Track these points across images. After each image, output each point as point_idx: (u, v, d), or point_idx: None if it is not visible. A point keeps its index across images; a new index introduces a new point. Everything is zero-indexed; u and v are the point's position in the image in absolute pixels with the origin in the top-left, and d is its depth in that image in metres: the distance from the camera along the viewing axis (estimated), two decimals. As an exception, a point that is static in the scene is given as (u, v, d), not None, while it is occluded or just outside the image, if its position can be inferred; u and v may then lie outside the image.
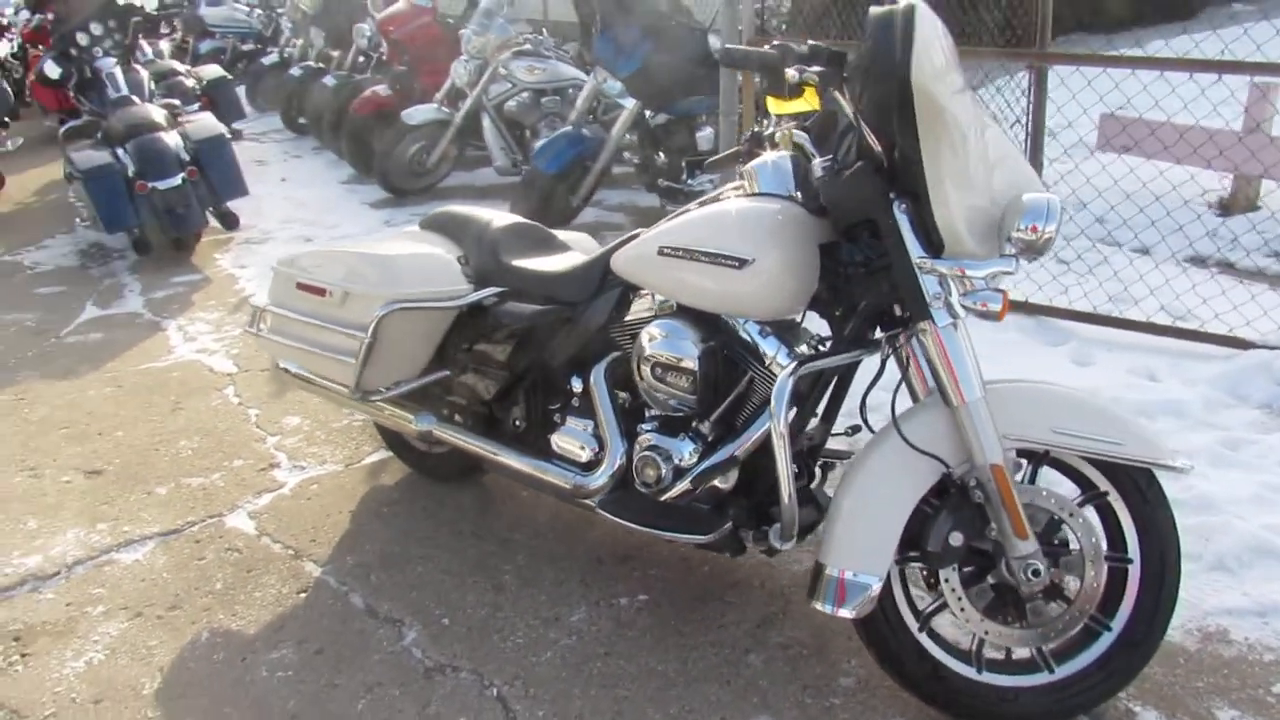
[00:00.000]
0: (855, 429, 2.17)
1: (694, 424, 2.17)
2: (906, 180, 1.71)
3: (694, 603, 2.35)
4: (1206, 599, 2.21)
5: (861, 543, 1.84)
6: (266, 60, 9.79)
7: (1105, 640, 1.88)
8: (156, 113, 5.41)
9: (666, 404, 2.16)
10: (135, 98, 5.67)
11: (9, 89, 8.53)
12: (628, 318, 2.34)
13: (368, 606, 2.41)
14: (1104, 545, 1.87)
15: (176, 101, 6.35)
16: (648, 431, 2.21)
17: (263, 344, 2.78)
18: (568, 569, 2.51)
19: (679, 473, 2.14)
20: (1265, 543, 2.30)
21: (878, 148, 1.74)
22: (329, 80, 7.53)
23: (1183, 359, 3.32)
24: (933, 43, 1.60)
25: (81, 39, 5.88)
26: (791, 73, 1.73)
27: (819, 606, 1.84)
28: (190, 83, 7.13)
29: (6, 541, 2.74)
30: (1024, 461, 1.91)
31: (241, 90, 9.89)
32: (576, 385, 2.38)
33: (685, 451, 2.15)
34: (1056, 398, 1.88)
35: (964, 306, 1.75)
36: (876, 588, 1.82)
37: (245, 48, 10.91)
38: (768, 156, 2.10)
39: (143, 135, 5.15)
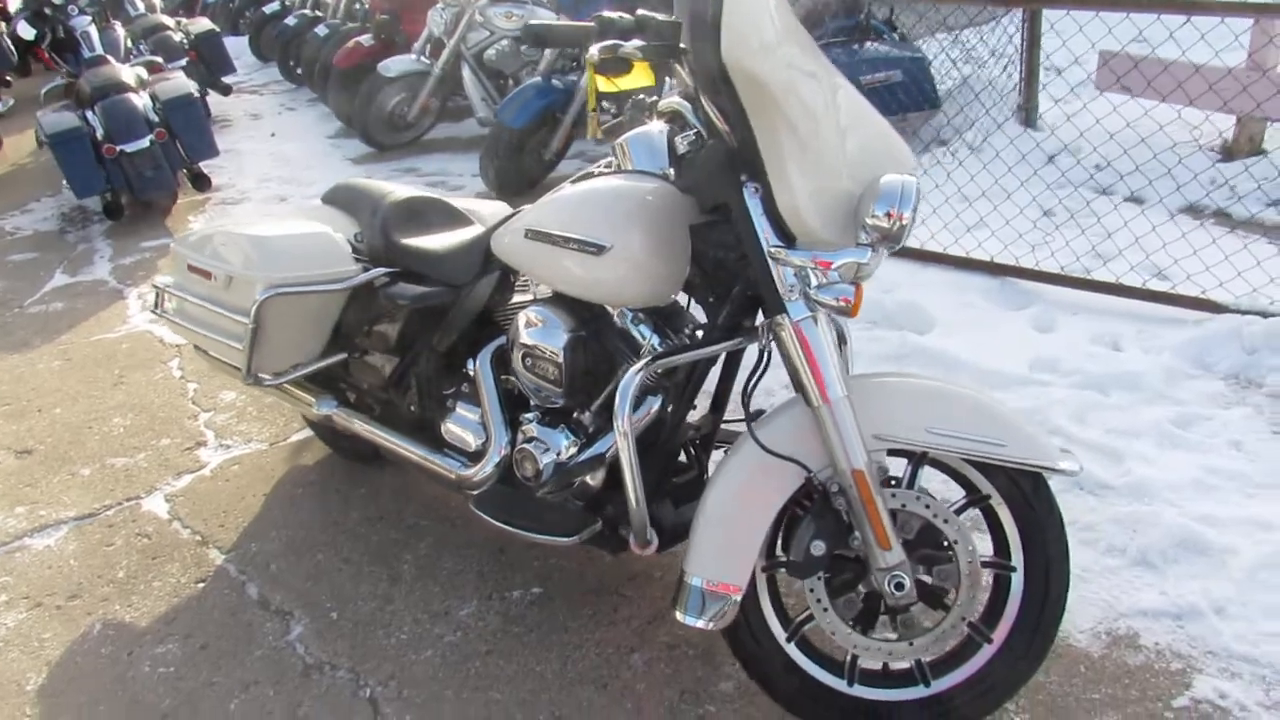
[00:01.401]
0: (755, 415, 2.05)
1: (575, 415, 2.06)
2: (752, 162, 1.56)
3: (588, 596, 2.27)
4: (1122, 599, 2.07)
5: (721, 551, 1.73)
6: (268, 9, 9.62)
7: (985, 652, 1.75)
8: (126, 73, 5.33)
9: (539, 394, 2.05)
10: (110, 57, 5.59)
11: (12, 48, 8.51)
12: (511, 301, 2.23)
13: (261, 598, 2.36)
14: (981, 552, 1.73)
15: (159, 58, 6.27)
16: (530, 422, 2.11)
17: (167, 325, 2.71)
18: (467, 559, 2.43)
19: (558, 468, 2.04)
20: (1195, 536, 2.14)
21: (723, 126, 1.59)
22: (320, 30, 7.39)
23: (1151, 324, 3.12)
24: (754, 12, 1.43)
25: (56, -3, 5.81)
26: (593, 51, 1.56)
27: (680, 616, 1.73)
28: (178, 37, 7.04)
29: (-78, 526, 2.74)
30: (904, 461, 1.78)
31: (245, 40, 9.82)
32: (471, 369, 2.28)
33: (562, 444, 2.04)
34: (933, 394, 1.73)
35: (816, 302, 1.60)
36: (736, 599, 1.71)
37: (253, -6, 10.77)
38: (647, 128, 1.96)
39: (110, 97, 5.08)
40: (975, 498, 1.76)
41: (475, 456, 2.21)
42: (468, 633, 2.19)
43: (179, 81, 5.41)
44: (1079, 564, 2.16)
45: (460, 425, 2.26)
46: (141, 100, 5.14)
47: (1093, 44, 3.94)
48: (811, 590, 1.75)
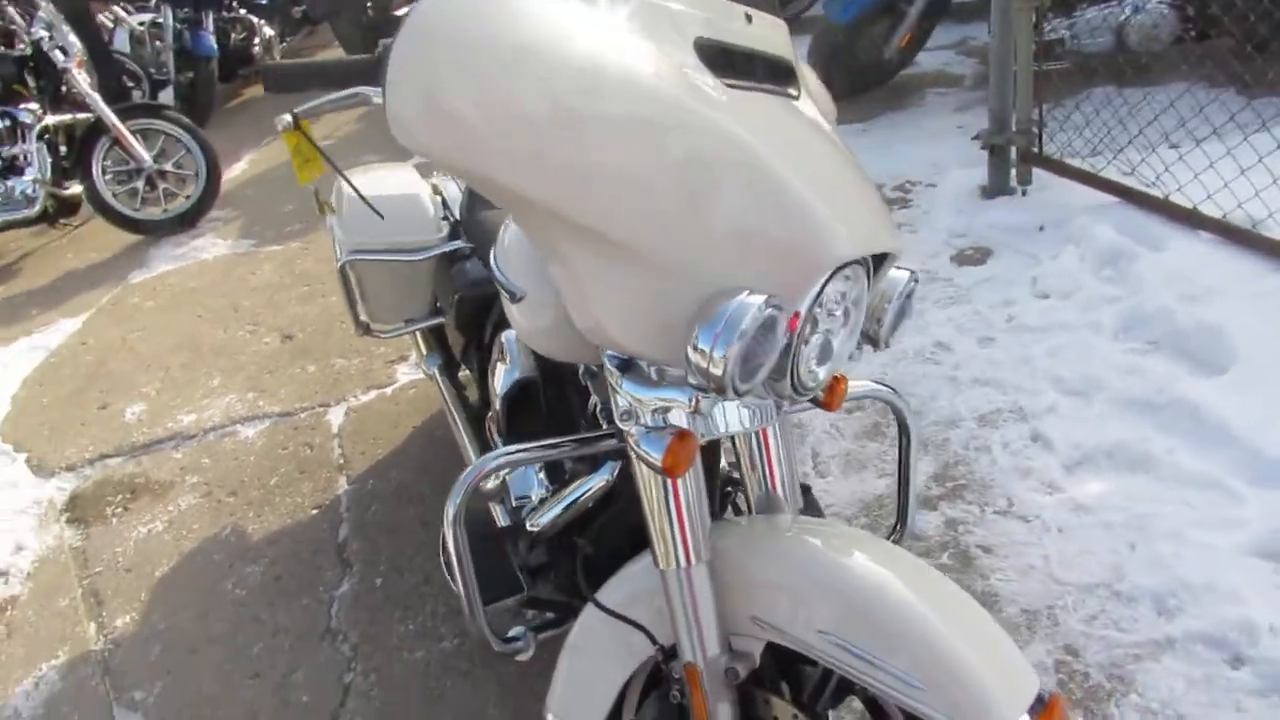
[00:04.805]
0: None
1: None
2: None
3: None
4: None
5: (574, 702, 1.42)
6: None
7: None
8: None
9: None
10: None
11: None
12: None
13: (342, 542, 2.47)
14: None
15: None
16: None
17: None
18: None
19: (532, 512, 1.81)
20: None
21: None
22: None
23: None
24: (441, 70, 0.95)
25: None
26: (284, 117, 1.18)
27: None
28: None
29: (187, 396, 3.26)
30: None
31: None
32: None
33: (534, 486, 1.80)
34: (844, 576, 1.17)
35: (633, 451, 1.15)
36: (584, 752, 1.41)
37: None
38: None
39: None
40: (881, 731, 1.23)
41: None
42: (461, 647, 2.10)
43: None
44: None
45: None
46: None
47: None
48: (661, 780, 1.38)
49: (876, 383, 1.54)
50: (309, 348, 3.42)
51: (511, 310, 1.52)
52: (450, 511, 1.43)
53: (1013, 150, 3.31)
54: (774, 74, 1.21)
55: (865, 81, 4.40)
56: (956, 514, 2.13)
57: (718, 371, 0.99)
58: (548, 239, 1.06)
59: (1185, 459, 2.09)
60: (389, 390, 3.08)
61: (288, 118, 1.30)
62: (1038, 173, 3.33)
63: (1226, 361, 2.30)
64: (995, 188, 3.38)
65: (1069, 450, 2.21)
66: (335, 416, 3.00)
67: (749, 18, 1.19)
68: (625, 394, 1.16)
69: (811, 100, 1.29)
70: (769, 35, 1.22)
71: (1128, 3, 3.90)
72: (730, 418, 1.21)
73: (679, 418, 1.14)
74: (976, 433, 2.34)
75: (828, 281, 1.06)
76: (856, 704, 1.30)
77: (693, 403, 1.11)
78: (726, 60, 1.12)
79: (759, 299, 0.99)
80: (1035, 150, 3.26)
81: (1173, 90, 3.66)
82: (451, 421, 2.29)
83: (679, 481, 1.19)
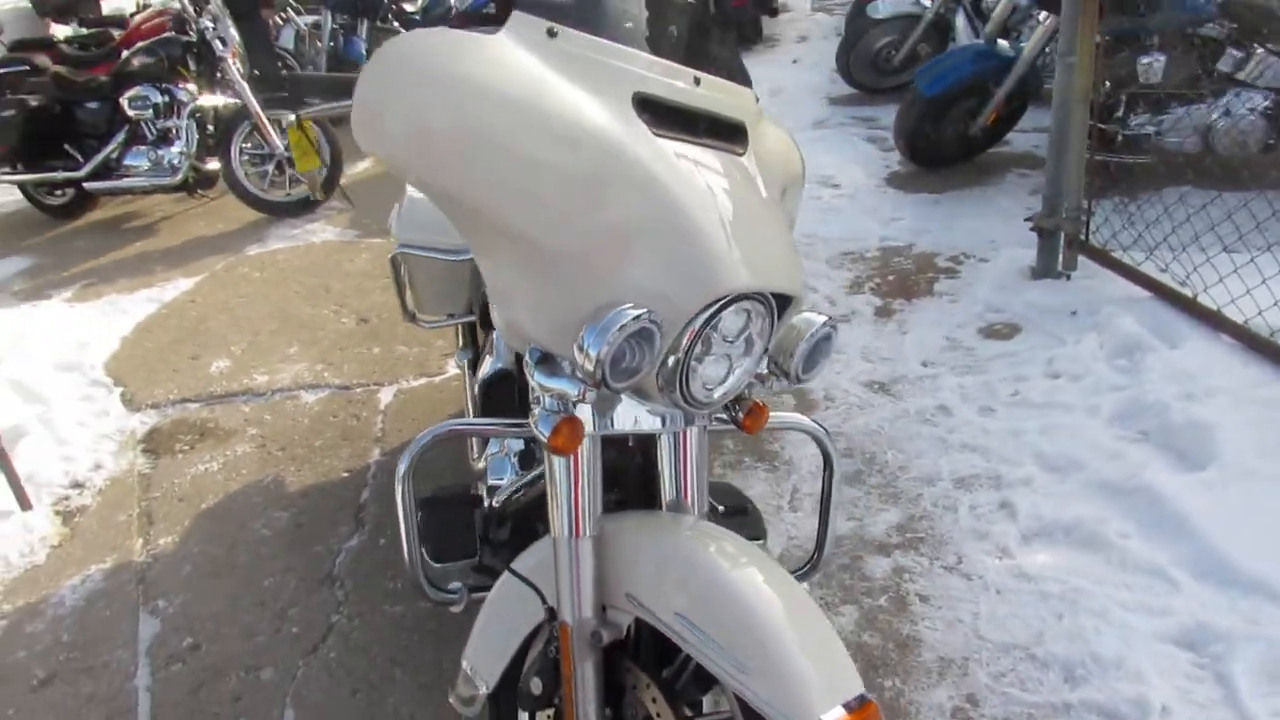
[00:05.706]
0: None
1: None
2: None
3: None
4: None
5: (482, 649, 1.63)
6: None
7: None
8: None
9: None
10: None
11: None
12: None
13: (362, 504, 2.74)
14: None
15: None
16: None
17: None
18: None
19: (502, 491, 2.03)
20: None
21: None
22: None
23: None
24: (394, 90, 1.18)
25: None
26: (290, 117, 1.41)
27: (450, 689, 1.70)
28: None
29: (266, 359, 3.62)
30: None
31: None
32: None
33: (506, 471, 2.02)
34: (706, 571, 1.35)
35: (533, 429, 1.36)
36: (481, 694, 1.62)
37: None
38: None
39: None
40: (718, 716, 1.39)
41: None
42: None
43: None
44: None
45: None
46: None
47: None
48: (540, 726, 1.58)
49: (809, 418, 1.71)
50: (379, 332, 3.75)
51: (493, 308, 1.76)
52: (400, 469, 1.66)
53: (1062, 235, 3.38)
54: (719, 132, 1.39)
55: (948, 155, 4.51)
56: (907, 562, 2.25)
57: (590, 367, 1.20)
58: (477, 241, 1.30)
59: (1136, 544, 2.16)
60: (437, 379, 3.37)
61: (292, 117, 1.57)
62: (1086, 261, 3.39)
63: (1206, 460, 2.35)
64: (1042, 270, 3.46)
65: (1030, 521, 2.30)
66: (385, 395, 3.30)
67: (697, 80, 1.38)
68: (535, 381, 1.37)
69: (756, 160, 1.46)
70: (717, 97, 1.40)
71: (1218, 105, 3.91)
72: (628, 417, 1.41)
73: (580, 407, 1.34)
74: (949, 493, 2.45)
75: (722, 309, 1.24)
76: None
77: (580, 394, 1.31)
78: (667, 115, 1.32)
79: (638, 311, 1.18)
80: (1082, 238, 3.33)
81: (1233, 197, 3.65)
82: (467, 411, 2.54)
83: (579, 464, 1.39)
